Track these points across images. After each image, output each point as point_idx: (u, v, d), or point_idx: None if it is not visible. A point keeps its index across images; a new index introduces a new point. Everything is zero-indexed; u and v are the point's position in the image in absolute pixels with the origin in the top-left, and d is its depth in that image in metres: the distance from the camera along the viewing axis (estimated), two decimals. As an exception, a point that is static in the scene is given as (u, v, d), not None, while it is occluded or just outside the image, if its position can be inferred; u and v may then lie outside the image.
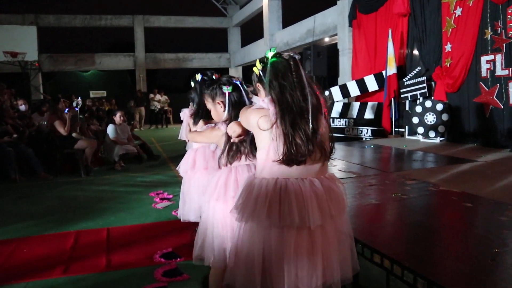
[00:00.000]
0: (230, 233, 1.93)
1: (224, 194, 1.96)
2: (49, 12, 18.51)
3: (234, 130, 1.82)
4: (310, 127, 1.55)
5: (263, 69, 1.67)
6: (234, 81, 2.13)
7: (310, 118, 1.55)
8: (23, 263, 3.10)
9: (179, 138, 3.03)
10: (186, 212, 2.86)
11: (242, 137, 1.86)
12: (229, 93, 2.08)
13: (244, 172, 1.99)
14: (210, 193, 2.01)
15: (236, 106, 2.04)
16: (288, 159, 1.55)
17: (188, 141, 2.92)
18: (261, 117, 1.60)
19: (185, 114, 2.87)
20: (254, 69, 1.73)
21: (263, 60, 1.68)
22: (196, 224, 2.26)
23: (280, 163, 1.56)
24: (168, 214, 4.19)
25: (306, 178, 1.58)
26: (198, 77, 2.71)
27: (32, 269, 2.98)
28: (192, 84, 2.78)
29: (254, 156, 1.95)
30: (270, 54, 1.66)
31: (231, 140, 1.89)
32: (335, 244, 1.61)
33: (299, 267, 1.52)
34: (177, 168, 2.88)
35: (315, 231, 1.55)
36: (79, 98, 7.29)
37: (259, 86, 1.73)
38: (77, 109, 7.11)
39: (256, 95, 1.80)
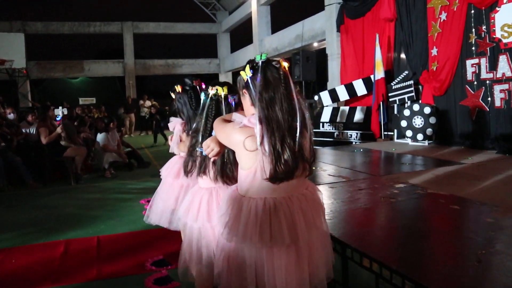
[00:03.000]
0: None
1: (207, 220, 1.92)
2: (37, 19, 18.38)
3: (212, 148, 1.71)
4: (297, 143, 1.53)
5: (253, 77, 1.57)
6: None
7: (298, 134, 1.52)
8: (13, 273, 3.08)
9: (169, 151, 2.82)
10: (152, 214, 2.73)
11: (219, 154, 1.76)
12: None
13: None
14: (193, 215, 1.95)
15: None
16: (276, 177, 1.52)
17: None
18: (247, 137, 1.53)
19: (176, 125, 2.66)
20: (242, 73, 1.62)
21: (254, 67, 1.58)
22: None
23: (268, 182, 1.53)
24: (159, 221, 4.18)
25: (292, 195, 1.58)
26: (178, 88, 2.54)
27: (22, 279, 2.96)
28: (173, 95, 2.60)
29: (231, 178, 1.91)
30: (261, 61, 1.57)
31: (211, 159, 1.79)
32: (320, 250, 1.66)
33: (288, 279, 1.54)
34: (160, 170, 2.82)
35: (302, 245, 1.58)
36: (60, 107, 7.24)
37: (245, 92, 1.63)
38: (59, 118, 7.04)
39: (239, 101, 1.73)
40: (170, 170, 2.65)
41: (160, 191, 2.73)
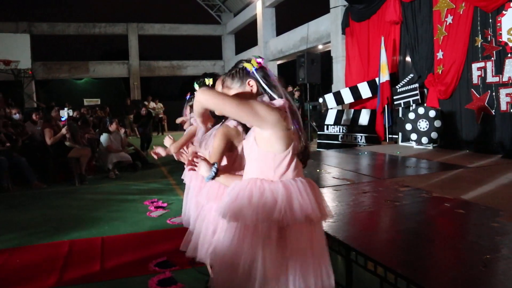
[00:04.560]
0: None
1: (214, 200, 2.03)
2: (43, 20, 18.51)
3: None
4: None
5: (259, 69, 1.62)
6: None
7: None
8: (16, 273, 3.09)
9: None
10: (187, 217, 2.73)
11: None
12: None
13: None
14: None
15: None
16: (305, 158, 1.62)
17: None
18: (283, 117, 1.52)
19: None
20: (247, 65, 1.63)
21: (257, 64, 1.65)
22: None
23: (299, 162, 1.60)
24: (163, 222, 4.18)
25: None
26: (197, 86, 2.50)
27: (26, 279, 2.97)
28: (197, 87, 2.53)
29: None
30: (256, 62, 1.64)
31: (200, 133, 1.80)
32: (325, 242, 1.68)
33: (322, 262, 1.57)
34: (182, 177, 2.81)
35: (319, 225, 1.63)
36: (66, 108, 7.29)
37: (249, 83, 1.62)
38: (64, 118, 7.07)
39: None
40: (194, 174, 2.56)
41: (188, 196, 2.71)
